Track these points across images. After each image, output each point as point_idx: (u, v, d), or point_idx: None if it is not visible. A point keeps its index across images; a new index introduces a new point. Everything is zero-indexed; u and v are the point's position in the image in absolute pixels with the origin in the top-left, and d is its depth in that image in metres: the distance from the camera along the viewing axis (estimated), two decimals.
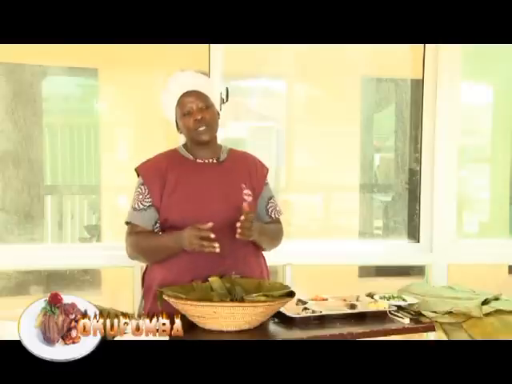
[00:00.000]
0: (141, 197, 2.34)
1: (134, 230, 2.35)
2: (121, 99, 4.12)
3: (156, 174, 2.33)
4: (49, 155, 4.38)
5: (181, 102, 2.31)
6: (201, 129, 2.30)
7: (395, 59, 4.01)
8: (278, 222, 2.50)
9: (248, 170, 2.42)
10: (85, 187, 4.77)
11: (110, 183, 4.15)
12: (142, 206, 2.34)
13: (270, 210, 2.46)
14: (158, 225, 2.36)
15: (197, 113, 2.29)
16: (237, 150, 2.50)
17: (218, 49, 3.14)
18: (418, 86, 3.55)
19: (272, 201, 2.48)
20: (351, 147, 4.47)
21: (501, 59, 4.14)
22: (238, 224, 2.18)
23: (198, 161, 2.37)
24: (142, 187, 2.34)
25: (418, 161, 3.47)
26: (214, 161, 2.38)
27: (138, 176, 2.38)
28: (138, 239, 2.32)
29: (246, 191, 2.37)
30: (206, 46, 3.14)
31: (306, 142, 4.35)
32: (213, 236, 2.12)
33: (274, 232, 2.45)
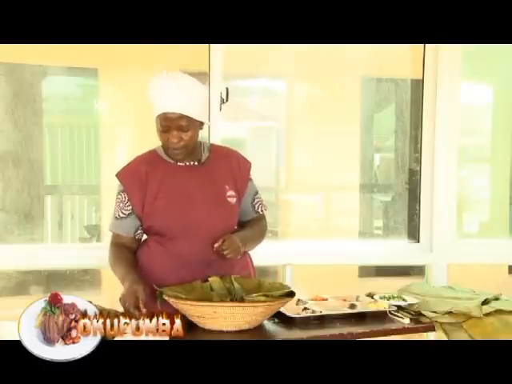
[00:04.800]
0: (121, 205, 2.31)
1: (114, 240, 2.34)
2: (121, 99, 4.12)
3: (136, 180, 2.29)
4: (49, 155, 4.38)
5: (160, 117, 2.19)
6: (176, 151, 2.25)
7: (395, 59, 4.01)
8: (261, 217, 2.46)
9: (231, 170, 2.36)
10: (85, 187, 4.77)
11: (109, 183, 4.13)
12: (122, 215, 2.31)
13: (256, 206, 2.43)
14: (139, 231, 2.33)
15: (174, 135, 2.19)
16: (218, 146, 2.46)
17: (217, 49, 3.13)
18: (418, 86, 3.55)
19: (257, 196, 2.44)
20: (351, 147, 4.47)
21: (501, 59, 4.14)
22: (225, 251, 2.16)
23: (178, 164, 2.31)
24: (123, 194, 2.31)
25: (418, 161, 3.47)
26: (195, 163, 2.33)
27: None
28: (112, 254, 2.30)
29: (230, 192, 2.33)
30: (205, 45, 3.13)
31: (305, 142, 4.35)
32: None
33: (255, 236, 2.41)
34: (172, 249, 2.27)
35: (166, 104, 2.17)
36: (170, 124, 2.18)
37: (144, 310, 1.95)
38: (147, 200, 2.28)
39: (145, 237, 2.38)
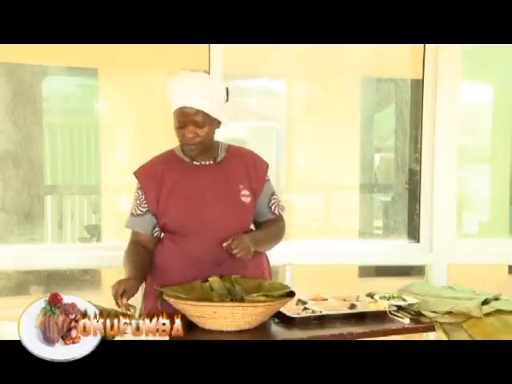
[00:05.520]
0: (138, 202, 2.34)
1: (133, 238, 2.37)
2: (121, 99, 4.12)
3: (152, 178, 2.32)
4: (49, 155, 4.38)
5: (177, 112, 2.23)
6: (191, 147, 2.26)
7: (395, 59, 4.01)
8: (279, 218, 2.47)
9: (246, 169, 2.38)
10: (85, 187, 4.78)
11: (110, 183, 4.16)
12: (139, 212, 2.34)
13: (273, 207, 2.44)
14: (157, 229, 2.36)
15: (190, 130, 2.22)
16: (235, 146, 2.46)
17: (217, 49, 3.14)
18: (418, 86, 3.55)
19: (274, 197, 2.45)
20: (351, 147, 4.47)
21: (501, 59, 4.14)
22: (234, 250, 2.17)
23: (194, 163, 2.34)
24: (139, 192, 2.35)
25: (418, 161, 3.47)
26: (211, 162, 2.35)
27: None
28: (126, 252, 2.31)
29: (244, 192, 2.34)
30: (205, 45, 3.14)
31: (305, 142, 4.35)
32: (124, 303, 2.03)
33: (269, 236, 2.42)
34: (184, 247, 2.29)
35: (183, 99, 2.20)
36: (186, 119, 2.21)
37: (124, 301, 2.01)
38: (162, 198, 2.30)
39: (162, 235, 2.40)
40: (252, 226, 2.43)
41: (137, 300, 2.48)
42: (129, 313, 1.97)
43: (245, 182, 2.36)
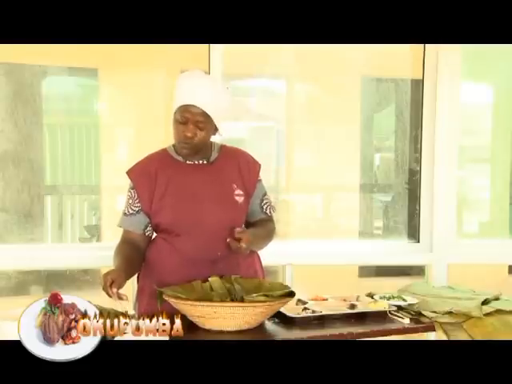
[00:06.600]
0: (130, 201, 2.34)
1: (124, 235, 2.36)
2: (121, 99, 4.12)
3: (145, 178, 2.32)
4: (49, 155, 4.39)
5: (182, 108, 2.22)
6: (186, 145, 2.26)
7: (395, 59, 4.02)
8: (270, 219, 2.47)
9: (239, 169, 2.38)
10: (85, 187, 4.79)
11: (109, 183, 4.16)
12: (131, 211, 2.34)
13: (264, 208, 2.44)
14: (149, 228, 2.36)
15: (190, 129, 2.22)
16: (228, 146, 2.45)
17: (217, 49, 3.14)
18: (417, 86, 3.55)
19: (266, 197, 2.45)
20: (351, 147, 4.48)
21: (501, 59, 4.15)
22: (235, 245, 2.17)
23: (188, 162, 2.34)
24: (132, 191, 2.34)
25: (418, 161, 3.47)
26: (205, 162, 2.35)
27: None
28: (116, 249, 2.32)
29: (238, 191, 2.34)
30: (205, 45, 3.14)
31: (305, 141, 4.36)
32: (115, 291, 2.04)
33: (264, 235, 2.42)
34: (178, 246, 2.29)
35: (192, 97, 2.21)
36: (190, 117, 2.21)
37: (115, 290, 2.01)
38: (155, 197, 2.30)
39: (155, 235, 2.40)
40: (242, 226, 2.43)
41: (129, 297, 2.48)
42: (122, 301, 1.99)
43: (238, 182, 2.36)
